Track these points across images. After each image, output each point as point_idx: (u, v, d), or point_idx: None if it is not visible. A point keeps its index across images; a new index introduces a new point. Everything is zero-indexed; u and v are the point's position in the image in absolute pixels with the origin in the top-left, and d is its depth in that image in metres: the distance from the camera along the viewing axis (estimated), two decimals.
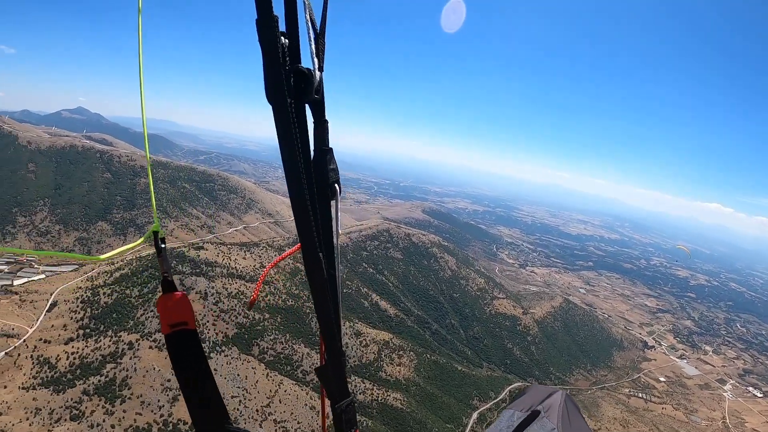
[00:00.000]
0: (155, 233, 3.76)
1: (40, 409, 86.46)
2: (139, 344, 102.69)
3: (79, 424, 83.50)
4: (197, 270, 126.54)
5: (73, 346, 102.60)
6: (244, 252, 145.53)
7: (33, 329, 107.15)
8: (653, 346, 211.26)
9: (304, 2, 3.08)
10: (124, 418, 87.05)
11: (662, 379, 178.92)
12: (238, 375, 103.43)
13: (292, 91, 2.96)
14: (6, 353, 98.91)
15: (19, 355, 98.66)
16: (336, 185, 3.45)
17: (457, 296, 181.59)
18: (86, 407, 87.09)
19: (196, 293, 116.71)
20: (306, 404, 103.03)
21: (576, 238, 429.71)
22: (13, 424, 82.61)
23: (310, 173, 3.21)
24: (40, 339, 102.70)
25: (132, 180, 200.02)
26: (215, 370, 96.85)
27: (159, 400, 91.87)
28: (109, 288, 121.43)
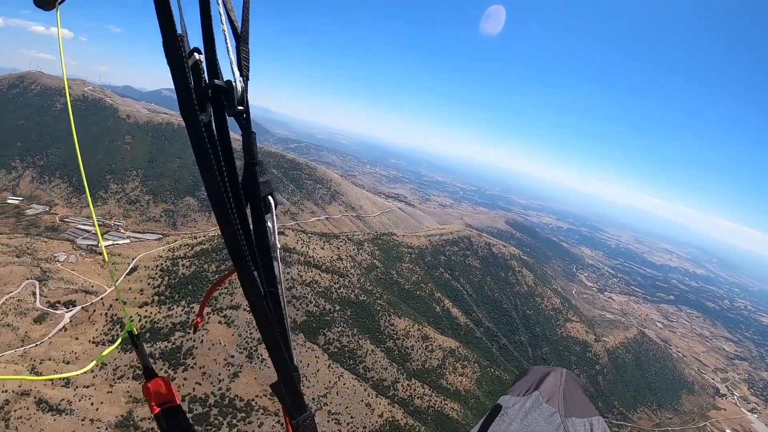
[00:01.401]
0: (130, 333, 3.80)
1: (106, 365, 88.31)
2: (209, 318, 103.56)
3: (139, 383, 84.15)
4: (275, 254, 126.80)
5: (146, 311, 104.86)
6: (323, 242, 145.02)
7: (111, 289, 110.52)
8: (725, 395, 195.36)
9: (222, 13, 2.98)
10: (183, 386, 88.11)
11: (728, 431, 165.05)
12: (300, 361, 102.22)
13: (208, 108, 2.98)
14: (83, 308, 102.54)
15: (94, 311, 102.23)
16: (270, 198, 3.32)
17: (530, 313, 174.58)
18: (155, 365, 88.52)
19: None
20: (362, 400, 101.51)
21: (659, 268, 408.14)
22: (77, 375, 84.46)
23: (237, 188, 3.18)
24: (116, 299, 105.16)
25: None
26: None
27: (219, 374, 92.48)
28: (189, 260, 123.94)
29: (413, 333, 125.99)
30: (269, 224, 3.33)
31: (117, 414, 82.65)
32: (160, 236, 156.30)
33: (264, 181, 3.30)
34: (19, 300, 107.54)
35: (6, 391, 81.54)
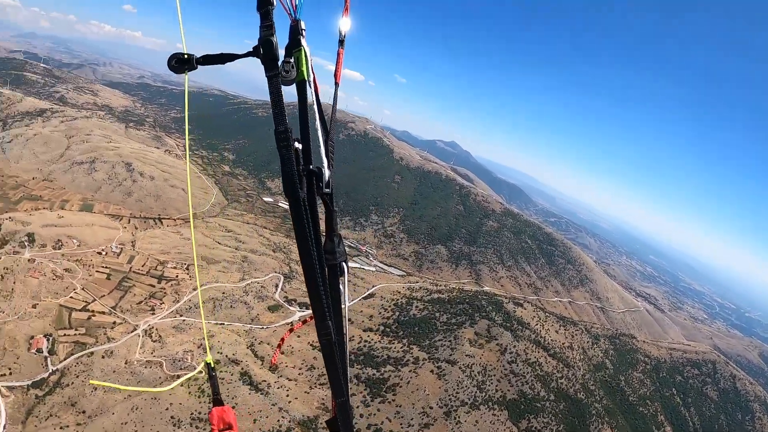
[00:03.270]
0: (207, 365, 5.01)
1: (313, 368, 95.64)
2: (423, 363, 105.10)
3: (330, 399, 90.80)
4: (507, 324, 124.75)
5: (369, 336, 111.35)
6: (559, 326, 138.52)
7: (344, 308, 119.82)
8: None
9: (316, 111, 4.18)
10: (374, 414, 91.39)
11: None
12: None
13: (304, 187, 3.86)
14: (299, 314, 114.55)
15: None
16: (344, 264, 4.30)
17: None
18: (350, 389, 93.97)
19: (497, 345, 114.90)
20: None
21: None
22: (286, 365, 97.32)
23: (321, 255, 4.05)
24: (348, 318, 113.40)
25: (480, 219, 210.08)
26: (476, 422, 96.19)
27: (412, 419, 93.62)
28: (423, 304, 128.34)
29: None
30: (341, 286, 4.29)
31: (305, 413, 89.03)
32: (404, 273, 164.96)
33: (341, 250, 4.30)
34: (262, 286, 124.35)
35: (221, 352, 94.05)
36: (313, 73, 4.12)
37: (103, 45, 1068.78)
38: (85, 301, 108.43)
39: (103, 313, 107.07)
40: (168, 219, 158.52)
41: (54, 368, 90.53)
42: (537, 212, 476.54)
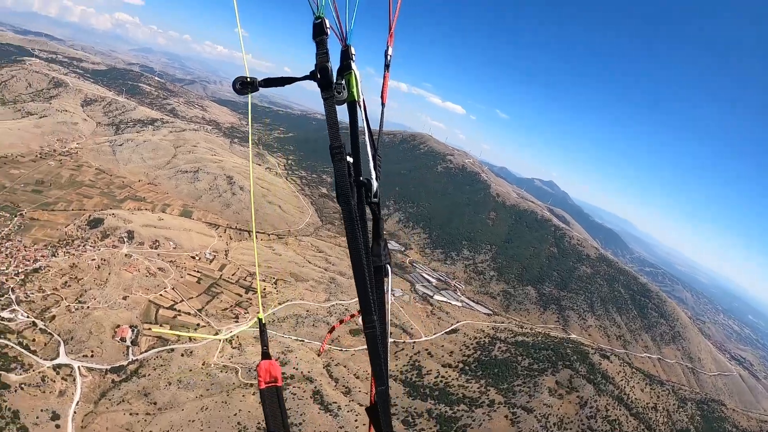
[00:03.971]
0: (260, 320, 5.12)
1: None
2: (498, 407, 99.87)
3: (405, 428, 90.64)
4: (591, 376, 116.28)
5: (446, 372, 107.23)
6: (645, 384, 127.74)
7: (427, 338, 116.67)
8: None
9: (365, 130, 4.52)
10: None
11: None
12: None
13: (355, 196, 4.34)
14: (394, 341, 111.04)
15: (402, 349, 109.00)
16: (388, 266, 4.71)
17: None
18: (419, 421, 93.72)
19: (577, 397, 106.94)
20: None
21: None
22: (359, 390, 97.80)
23: (369, 257, 4.41)
24: (426, 349, 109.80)
25: (573, 264, 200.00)
26: None
27: None
28: (506, 346, 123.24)
29: None
30: (385, 286, 4.66)
31: None
32: (490, 312, 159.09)
33: (385, 253, 4.69)
34: (346, 309, 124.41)
35: (297, 368, 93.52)
36: (362, 94, 4.42)
37: (215, 64, 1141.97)
38: (174, 301, 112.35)
39: (189, 314, 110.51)
40: (262, 233, 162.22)
41: (134, 358, 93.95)
42: (632, 260, 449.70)
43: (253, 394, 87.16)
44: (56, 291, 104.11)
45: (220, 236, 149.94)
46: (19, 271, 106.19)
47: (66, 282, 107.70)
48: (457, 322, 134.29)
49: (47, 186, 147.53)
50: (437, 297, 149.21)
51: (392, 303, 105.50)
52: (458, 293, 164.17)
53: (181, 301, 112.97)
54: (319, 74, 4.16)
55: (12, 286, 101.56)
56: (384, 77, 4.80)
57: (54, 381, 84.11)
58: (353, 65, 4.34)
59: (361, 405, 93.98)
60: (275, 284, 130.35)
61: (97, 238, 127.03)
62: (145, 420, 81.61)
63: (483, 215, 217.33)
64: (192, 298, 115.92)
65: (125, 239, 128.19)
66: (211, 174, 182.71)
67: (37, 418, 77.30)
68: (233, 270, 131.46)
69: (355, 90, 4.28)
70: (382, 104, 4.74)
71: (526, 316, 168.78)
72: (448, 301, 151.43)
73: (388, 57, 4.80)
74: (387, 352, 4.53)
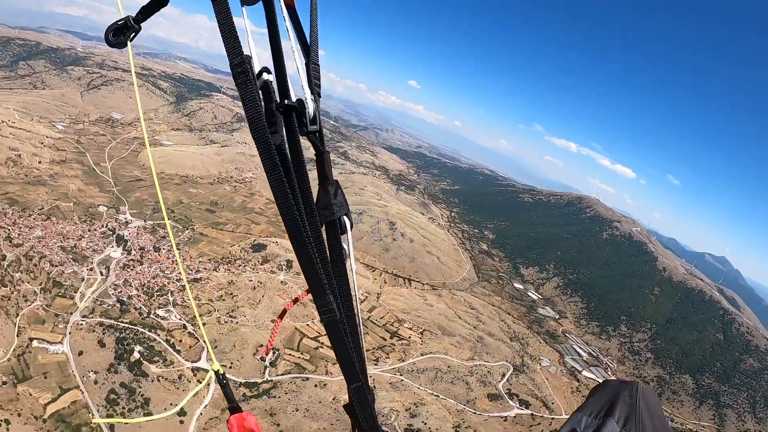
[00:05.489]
0: (216, 372, 4.21)
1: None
2: None
3: None
4: None
5: None
6: None
7: (567, 416, 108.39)
8: None
9: (289, 29, 3.13)
10: None
11: None
12: None
13: (282, 129, 3.04)
14: (532, 414, 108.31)
15: (539, 423, 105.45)
16: (345, 218, 3.40)
17: None
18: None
19: None
20: None
21: None
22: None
23: (312, 210, 3.18)
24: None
25: (740, 355, 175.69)
26: None
27: None
28: None
29: None
30: (345, 245, 3.34)
31: None
32: None
33: (338, 201, 3.39)
34: (488, 371, 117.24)
35: (426, 423, 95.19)
36: None
37: (388, 113, 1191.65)
38: (318, 333, 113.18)
39: (330, 348, 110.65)
40: (417, 282, 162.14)
41: (269, 378, 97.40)
42: None
43: None
44: (210, 302, 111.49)
45: (375, 279, 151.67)
46: (182, 277, 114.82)
47: (221, 296, 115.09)
48: None
49: (220, 207, 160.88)
50: (585, 373, 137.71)
51: (537, 372, 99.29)
52: (609, 372, 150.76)
53: (325, 335, 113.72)
54: None
55: (172, 289, 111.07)
56: None
57: (189, 381, 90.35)
58: None
59: None
60: (421, 334, 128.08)
61: (258, 261, 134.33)
62: None
63: (646, 290, 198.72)
64: None
65: (284, 267, 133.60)
66: (374, 217, 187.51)
67: (165, 409, 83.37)
68: (382, 313, 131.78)
69: None
70: None
71: (679, 408, 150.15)
72: (597, 378, 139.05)
73: None
74: (360, 338, 3.48)
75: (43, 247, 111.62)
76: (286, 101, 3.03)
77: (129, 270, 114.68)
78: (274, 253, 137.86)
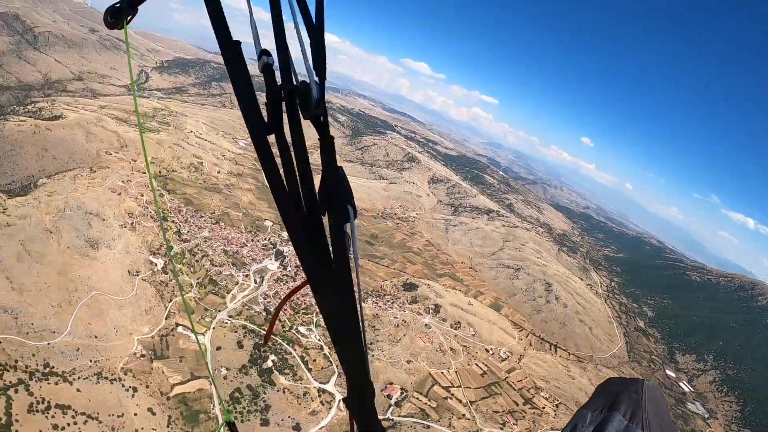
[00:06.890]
0: (228, 423, 4.31)
1: None
2: None
3: None
4: None
5: None
6: None
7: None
8: None
9: (293, 5, 2.75)
10: None
11: None
12: None
13: (281, 117, 2.83)
14: None
15: None
16: (349, 206, 3.01)
17: None
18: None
19: None
20: None
21: None
22: None
23: (314, 197, 2.93)
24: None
25: None
26: None
27: None
28: None
29: None
30: (348, 234, 2.98)
31: None
32: None
33: (342, 188, 3.01)
34: None
35: None
36: None
37: (558, 168, 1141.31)
38: (451, 383, 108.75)
39: (460, 401, 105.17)
40: (563, 350, 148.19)
41: (391, 417, 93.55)
42: None
43: None
44: None
45: (520, 339, 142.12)
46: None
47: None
48: None
49: (379, 241, 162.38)
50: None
51: None
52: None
53: (458, 386, 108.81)
54: None
55: (317, 310, 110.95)
56: None
57: (313, 400, 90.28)
58: None
59: None
60: (556, 407, 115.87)
61: (407, 300, 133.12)
62: None
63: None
64: (469, 388, 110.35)
65: (431, 310, 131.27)
66: (531, 275, 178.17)
67: (282, 420, 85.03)
68: (520, 377, 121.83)
69: None
70: None
71: None
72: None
73: None
74: (361, 332, 3.08)
75: (208, 247, 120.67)
76: (288, 84, 2.78)
77: (281, 284, 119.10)
78: (424, 294, 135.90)
